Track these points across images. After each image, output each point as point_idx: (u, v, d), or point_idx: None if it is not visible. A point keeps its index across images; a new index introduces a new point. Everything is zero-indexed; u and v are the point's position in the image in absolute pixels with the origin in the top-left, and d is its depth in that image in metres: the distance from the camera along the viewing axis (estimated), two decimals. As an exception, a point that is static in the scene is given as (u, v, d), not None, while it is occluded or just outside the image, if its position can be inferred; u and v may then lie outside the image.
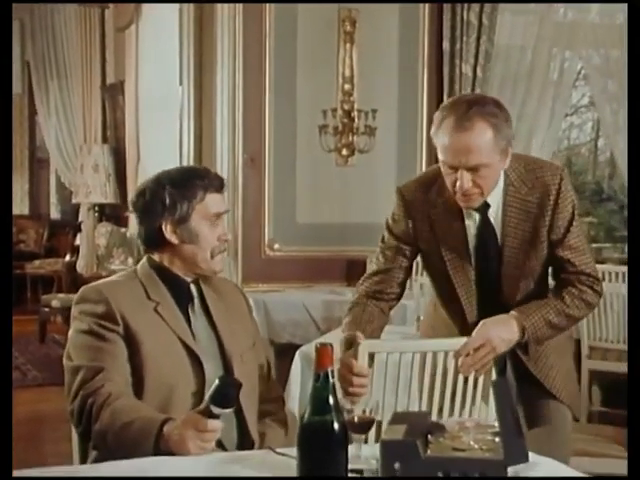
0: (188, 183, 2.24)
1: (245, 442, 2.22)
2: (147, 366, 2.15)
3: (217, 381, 1.90)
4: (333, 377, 1.60)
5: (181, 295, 2.28)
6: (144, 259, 2.33)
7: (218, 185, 2.29)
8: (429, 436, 1.82)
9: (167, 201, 2.23)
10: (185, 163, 5.59)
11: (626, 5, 4.15)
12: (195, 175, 2.28)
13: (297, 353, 3.52)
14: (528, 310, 2.44)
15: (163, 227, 2.24)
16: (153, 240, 2.28)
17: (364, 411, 1.94)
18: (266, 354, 2.48)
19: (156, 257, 2.30)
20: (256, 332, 2.48)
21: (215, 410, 1.89)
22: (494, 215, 2.48)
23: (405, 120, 5.76)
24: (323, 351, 1.60)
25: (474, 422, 1.95)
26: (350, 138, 5.48)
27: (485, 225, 2.48)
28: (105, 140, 8.24)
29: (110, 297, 2.18)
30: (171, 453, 1.92)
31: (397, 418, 1.96)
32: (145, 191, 2.27)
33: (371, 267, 2.63)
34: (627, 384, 2.47)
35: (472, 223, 2.49)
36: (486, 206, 2.46)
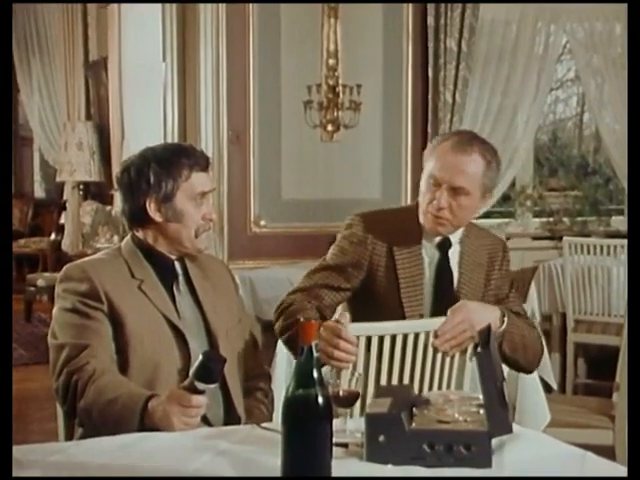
0: (174, 161, 2.23)
1: (231, 418, 2.23)
2: (132, 344, 2.15)
3: (201, 356, 1.90)
4: (317, 351, 1.60)
5: (165, 273, 2.27)
6: (128, 237, 2.32)
7: (204, 164, 2.27)
8: (414, 409, 1.84)
9: (152, 179, 2.21)
10: (169, 140, 5.55)
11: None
12: (181, 153, 2.25)
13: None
14: (508, 310, 2.49)
15: (147, 205, 2.23)
16: (137, 218, 2.26)
17: (349, 384, 1.95)
18: (253, 331, 2.48)
19: (140, 235, 2.28)
20: (242, 309, 2.47)
21: (199, 385, 1.89)
22: (452, 258, 2.54)
23: (390, 95, 5.74)
24: (307, 325, 1.60)
25: (458, 395, 1.96)
26: (335, 113, 5.45)
27: (442, 264, 2.54)
28: (89, 117, 8.16)
29: (94, 275, 2.18)
30: (156, 429, 1.92)
31: (382, 391, 1.97)
32: (130, 168, 2.25)
33: (308, 281, 2.54)
34: (628, 381, 2.52)
35: (430, 258, 2.54)
36: (448, 244, 2.52)
